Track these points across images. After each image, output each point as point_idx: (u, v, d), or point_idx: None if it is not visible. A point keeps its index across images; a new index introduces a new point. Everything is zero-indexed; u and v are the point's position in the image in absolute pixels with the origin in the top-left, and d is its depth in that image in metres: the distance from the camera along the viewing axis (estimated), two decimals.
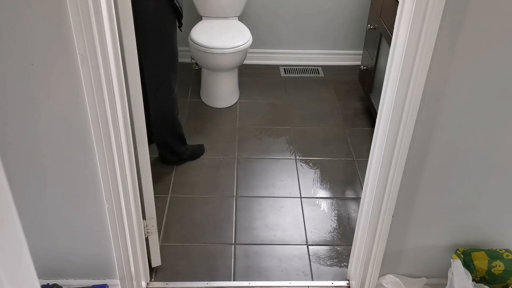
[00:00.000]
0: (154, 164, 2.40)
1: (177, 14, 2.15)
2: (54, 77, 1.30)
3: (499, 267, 1.60)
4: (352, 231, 2.05)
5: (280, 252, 2.04)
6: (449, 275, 1.59)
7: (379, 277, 1.76)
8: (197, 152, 2.58)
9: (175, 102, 2.35)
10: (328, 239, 2.12)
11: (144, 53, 2.18)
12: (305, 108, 3.07)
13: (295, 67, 3.55)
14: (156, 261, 1.90)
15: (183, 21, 2.25)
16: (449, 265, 1.62)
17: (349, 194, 2.39)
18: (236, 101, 3.10)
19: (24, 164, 1.45)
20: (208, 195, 2.34)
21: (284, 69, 3.53)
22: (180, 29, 2.24)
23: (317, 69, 3.55)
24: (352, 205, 2.32)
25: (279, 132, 2.82)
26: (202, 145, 2.63)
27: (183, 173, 2.47)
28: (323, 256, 2.03)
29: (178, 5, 2.10)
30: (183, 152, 2.49)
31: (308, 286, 1.89)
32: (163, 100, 2.30)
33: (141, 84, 2.57)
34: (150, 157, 1.65)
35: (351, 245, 1.85)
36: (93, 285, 1.71)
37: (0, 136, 1.40)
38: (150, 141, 2.33)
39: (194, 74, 3.39)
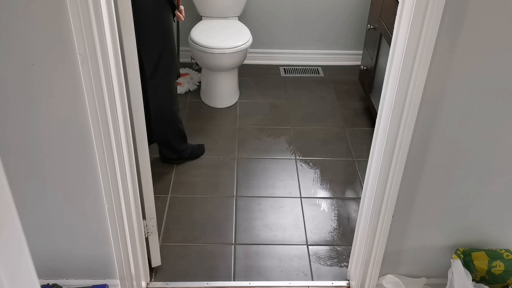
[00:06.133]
0: (154, 164, 2.40)
1: (172, 6, 2.17)
2: (54, 77, 1.30)
3: (499, 267, 1.61)
4: (352, 231, 2.05)
5: (280, 252, 2.04)
6: (449, 275, 1.59)
7: (379, 277, 1.76)
8: (197, 151, 2.58)
9: (175, 98, 2.35)
10: (328, 239, 2.12)
11: (144, 50, 2.19)
12: (305, 108, 3.07)
13: (295, 67, 3.55)
14: (156, 261, 1.90)
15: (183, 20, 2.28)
16: (449, 265, 1.62)
17: (349, 194, 2.39)
18: (236, 101, 3.10)
19: (24, 164, 1.46)
20: (208, 195, 2.34)
21: (284, 69, 3.53)
22: (174, 20, 2.25)
23: (317, 69, 3.55)
24: (352, 205, 2.32)
25: (279, 132, 2.82)
26: (203, 145, 2.63)
27: (183, 173, 2.47)
28: (323, 256, 2.03)
29: None
30: (183, 150, 2.49)
31: (308, 286, 1.89)
32: (163, 97, 2.31)
33: (141, 83, 2.57)
34: (150, 157, 1.65)
35: (351, 245, 1.85)
36: (93, 285, 1.71)
37: (0, 136, 1.40)
38: (150, 141, 2.33)
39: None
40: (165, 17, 2.15)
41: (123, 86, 1.38)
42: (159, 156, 2.52)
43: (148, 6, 2.07)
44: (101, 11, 1.20)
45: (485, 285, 1.58)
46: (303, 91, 3.27)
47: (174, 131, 2.42)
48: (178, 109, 2.39)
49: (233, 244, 2.07)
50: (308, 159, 2.60)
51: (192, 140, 2.62)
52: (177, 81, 2.72)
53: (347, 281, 1.91)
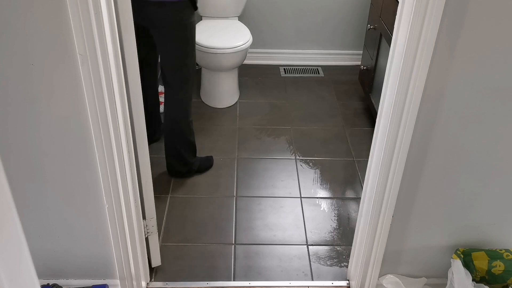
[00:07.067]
0: (154, 164, 2.40)
1: (194, 7, 2.11)
2: (54, 77, 1.30)
3: (499, 267, 1.60)
4: (352, 231, 2.05)
5: (280, 252, 2.04)
6: (449, 275, 1.59)
7: (379, 277, 1.76)
8: (206, 163, 2.49)
9: (191, 109, 2.29)
10: (328, 239, 2.12)
11: (164, 56, 2.14)
12: (305, 108, 3.07)
13: (295, 67, 3.55)
14: (156, 261, 1.90)
15: None
16: (449, 265, 1.62)
17: (349, 194, 2.39)
18: (236, 101, 3.10)
19: (24, 164, 1.46)
20: (208, 195, 2.34)
21: (284, 69, 3.53)
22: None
23: (317, 69, 3.55)
24: (352, 205, 2.32)
25: (279, 132, 2.82)
26: (211, 156, 2.54)
27: None
28: (323, 256, 2.03)
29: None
30: (193, 164, 2.41)
31: (308, 286, 1.89)
32: (180, 106, 2.24)
33: (154, 90, 2.48)
34: (150, 157, 1.64)
35: (351, 245, 1.85)
36: (93, 285, 1.71)
37: (0, 136, 1.40)
38: (150, 141, 2.32)
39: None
40: (188, 23, 2.09)
41: (123, 86, 1.38)
42: (166, 170, 2.43)
43: (170, 13, 2.02)
44: (101, 11, 1.20)
45: (485, 285, 1.58)
46: (303, 91, 3.27)
47: (186, 142, 2.33)
48: (192, 120, 2.32)
49: (233, 244, 2.07)
50: (308, 159, 2.60)
51: None
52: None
53: (347, 281, 1.91)
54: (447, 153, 1.48)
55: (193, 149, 2.40)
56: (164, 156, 2.40)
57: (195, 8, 2.11)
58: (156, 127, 2.62)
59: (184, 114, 2.27)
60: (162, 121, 2.41)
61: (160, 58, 2.20)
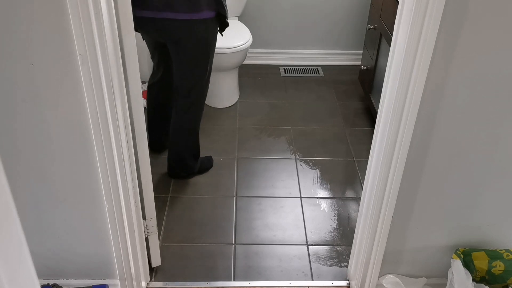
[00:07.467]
0: (154, 164, 2.40)
1: (222, 24, 2.10)
2: (54, 77, 1.30)
3: (499, 267, 1.61)
4: (352, 231, 2.05)
5: (280, 252, 2.04)
6: (449, 275, 1.59)
7: (379, 277, 1.76)
8: (206, 164, 2.50)
9: (200, 122, 2.30)
10: (328, 239, 2.12)
11: (184, 75, 2.14)
12: (305, 108, 3.07)
13: (295, 67, 3.55)
14: (156, 261, 1.90)
15: None
16: (449, 265, 1.62)
17: (349, 194, 2.39)
18: (236, 101, 3.10)
19: (23, 164, 1.45)
20: (208, 195, 2.34)
21: (284, 69, 3.53)
22: (222, 34, 2.17)
23: (317, 69, 3.55)
24: (352, 205, 2.32)
25: (279, 132, 2.82)
26: (210, 156, 2.55)
27: None
28: (323, 256, 2.03)
29: (225, 14, 2.04)
30: (194, 167, 2.42)
31: (308, 286, 1.89)
32: (193, 117, 2.25)
33: (168, 99, 2.42)
34: (150, 157, 1.64)
35: (351, 245, 1.85)
36: (93, 285, 1.71)
37: (0, 136, 1.40)
38: (150, 141, 2.31)
39: None
40: (212, 40, 2.10)
41: (123, 86, 1.38)
42: (167, 172, 2.43)
43: (193, 31, 2.01)
44: (101, 11, 1.20)
45: (485, 285, 1.58)
46: (303, 91, 3.27)
47: (190, 150, 2.34)
48: (199, 130, 2.34)
49: (233, 244, 2.07)
50: (308, 159, 2.60)
51: None
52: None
53: (347, 281, 1.91)
54: (447, 153, 1.48)
55: (196, 156, 2.40)
56: (164, 155, 2.40)
57: (224, 26, 2.09)
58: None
59: (194, 126, 2.28)
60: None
61: (175, 72, 2.18)
